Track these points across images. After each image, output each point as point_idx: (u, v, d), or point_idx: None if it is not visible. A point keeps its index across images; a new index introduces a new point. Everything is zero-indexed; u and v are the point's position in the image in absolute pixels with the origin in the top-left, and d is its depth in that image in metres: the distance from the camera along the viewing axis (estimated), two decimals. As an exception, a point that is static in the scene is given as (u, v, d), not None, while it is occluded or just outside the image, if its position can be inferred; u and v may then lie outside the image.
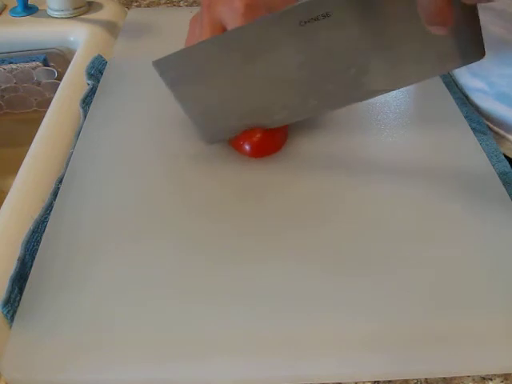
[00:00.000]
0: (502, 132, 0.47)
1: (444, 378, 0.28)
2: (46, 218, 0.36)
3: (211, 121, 0.39)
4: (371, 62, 0.35)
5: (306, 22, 0.33)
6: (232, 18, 0.36)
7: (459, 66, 0.35)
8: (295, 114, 0.39)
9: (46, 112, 0.45)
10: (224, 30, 0.38)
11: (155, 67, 0.36)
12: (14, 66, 0.59)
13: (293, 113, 0.38)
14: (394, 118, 0.45)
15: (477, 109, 0.48)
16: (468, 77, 0.49)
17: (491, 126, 0.47)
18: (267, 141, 0.40)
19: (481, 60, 0.47)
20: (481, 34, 0.33)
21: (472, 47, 0.33)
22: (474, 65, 0.48)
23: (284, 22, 0.33)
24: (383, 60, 0.35)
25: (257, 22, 0.34)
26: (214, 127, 0.40)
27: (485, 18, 0.45)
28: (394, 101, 0.47)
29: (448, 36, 0.32)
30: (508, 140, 0.47)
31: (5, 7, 0.62)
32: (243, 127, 0.39)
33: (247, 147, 0.40)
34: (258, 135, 0.40)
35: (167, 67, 0.36)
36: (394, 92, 0.48)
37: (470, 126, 0.44)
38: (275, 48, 0.35)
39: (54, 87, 0.53)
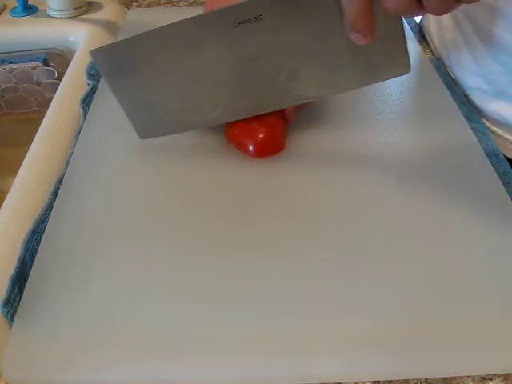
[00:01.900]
0: (500, 132, 0.47)
1: (444, 378, 0.28)
2: (46, 218, 0.36)
3: (144, 116, 0.39)
4: (301, 67, 0.36)
5: (239, 24, 0.34)
6: None
7: (387, 78, 0.36)
8: (227, 114, 0.39)
9: (46, 112, 0.45)
10: None
11: (92, 57, 0.36)
12: (14, 66, 0.59)
13: (224, 113, 0.39)
14: (394, 118, 0.45)
15: (476, 108, 0.48)
16: (467, 75, 0.49)
17: (490, 125, 0.47)
18: (270, 140, 0.40)
19: (480, 58, 0.47)
20: (406, 48, 0.34)
21: (398, 61, 0.35)
22: (473, 63, 0.48)
23: (218, 21, 0.34)
24: (313, 66, 0.35)
25: (192, 18, 0.34)
26: (147, 122, 0.40)
27: (483, 16, 0.45)
28: (394, 101, 0.47)
29: (374, 47, 0.33)
30: (507, 140, 0.47)
31: (5, 7, 0.62)
32: (176, 125, 0.40)
33: (250, 147, 0.40)
34: (262, 135, 0.40)
35: (104, 57, 0.37)
36: (394, 92, 0.48)
37: (469, 126, 0.44)
38: (208, 46, 0.35)
39: (54, 87, 0.53)
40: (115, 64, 0.37)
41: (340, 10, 0.31)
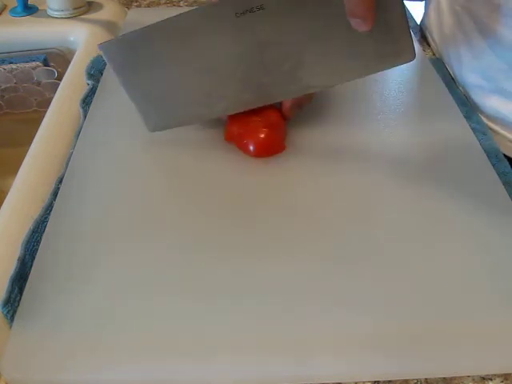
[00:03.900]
0: (499, 129, 0.47)
1: (444, 377, 0.28)
2: (46, 218, 0.36)
3: (154, 108, 0.40)
4: (306, 56, 0.36)
5: (241, 14, 0.34)
6: None
7: (391, 66, 0.36)
8: (234, 104, 0.39)
9: (46, 112, 0.45)
10: None
11: (101, 50, 0.37)
12: (14, 66, 0.59)
13: (232, 104, 0.39)
14: (394, 118, 0.45)
15: (476, 106, 0.48)
16: (466, 72, 0.49)
17: (489, 123, 0.47)
18: (271, 141, 0.40)
19: (479, 54, 0.47)
20: (410, 36, 0.34)
21: (402, 48, 0.34)
22: (473, 59, 0.48)
23: (220, 12, 0.34)
24: (318, 55, 0.35)
25: (195, 9, 0.34)
26: (156, 115, 0.40)
27: (482, 12, 0.45)
28: (394, 100, 0.47)
29: (378, 35, 0.33)
30: (506, 138, 0.47)
31: (5, 7, 0.62)
32: (184, 117, 0.40)
33: (251, 147, 0.40)
34: (262, 135, 0.40)
35: (113, 51, 0.37)
36: (395, 92, 0.48)
37: (469, 126, 0.44)
38: (212, 37, 0.35)
39: (54, 87, 0.53)
40: (124, 57, 0.37)
41: None
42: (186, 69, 0.37)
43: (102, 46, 0.37)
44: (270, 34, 0.35)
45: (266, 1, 0.33)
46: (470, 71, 0.49)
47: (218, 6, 0.34)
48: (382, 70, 0.36)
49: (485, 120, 0.47)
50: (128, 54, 0.37)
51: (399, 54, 0.35)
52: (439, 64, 0.53)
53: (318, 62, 0.36)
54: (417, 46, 0.56)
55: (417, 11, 0.67)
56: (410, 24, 0.34)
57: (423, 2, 0.62)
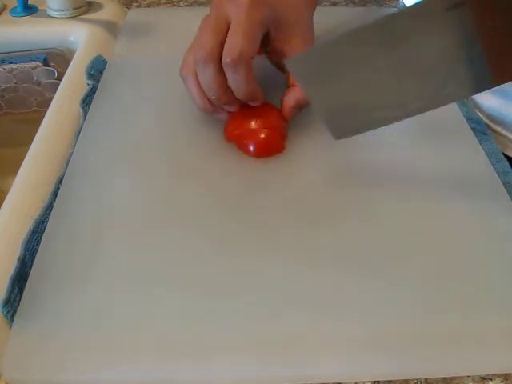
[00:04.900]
0: (499, 129, 0.47)
1: (444, 377, 0.28)
2: (46, 218, 0.36)
3: (343, 117, 0.38)
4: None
5: (451, 8, 0.32)
6: (236, 13, 0.37)
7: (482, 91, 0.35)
8: (431, 103, 0.36)
9: (46, 112, 0.45)
10: (227, 25, 0.38)
11: (288, 66, 0.35)
12: (14, 66, 0.59)
13: (429, 102, 0.36)
14: (394, 118, 0.45)
15: (476, 106, 0.48)
16: None
17: (489, 122, 0.47)
18: (271, 141, 0.40)
19: None
20: None
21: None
22: None
23: (429, 8, 0.32)
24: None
25: (401, 11, 0.33)
26: (344, 123, 0.38)
27: None
28: (394, 101, 0.47)
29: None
30: (508, 139, 0.47)
31: (5, 7, 0.62)
32: (376, 121, 0.38)
33: (251, 147, 0.40)
34: (263, 135, 0.40)
35: (301, 65, 0.35)
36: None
37: (469, 126, 0.44)
38: (416, 37, 0.33)
39: (54, 87, 0.53)
40: (313, 70, 0.35)
41: None
42: (383, 72, 0.35)
43: (289, 62, 0.35)
44: (473, 28, 0.32)
45: None
46: None
47: (425, 3, 0.32)
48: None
49: (485, 120, 0.47)
50: (318, 66, 0.35)
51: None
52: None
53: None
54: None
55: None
56: None
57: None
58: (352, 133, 0.39)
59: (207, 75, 0.38)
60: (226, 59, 0.37)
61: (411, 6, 0.32)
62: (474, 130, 0.43)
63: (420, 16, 0.33)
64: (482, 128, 0.44)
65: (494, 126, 0.47)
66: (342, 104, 0.37)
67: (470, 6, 0.31)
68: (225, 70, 0.38)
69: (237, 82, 0.38)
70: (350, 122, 0.39)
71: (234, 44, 0.37)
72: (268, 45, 0.42)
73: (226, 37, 0.38)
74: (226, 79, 0.38)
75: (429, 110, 0.37)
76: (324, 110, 0.38)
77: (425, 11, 0.32)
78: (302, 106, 0.42)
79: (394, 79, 0.36)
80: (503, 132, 0.47)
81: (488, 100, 0.47)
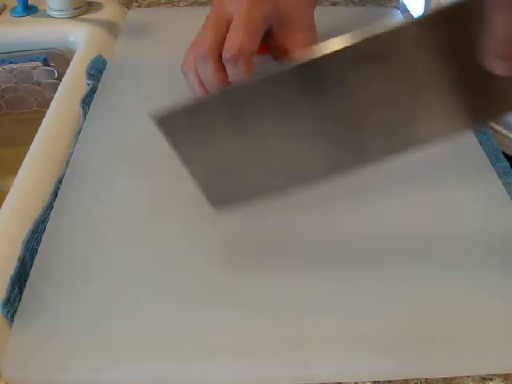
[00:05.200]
0: (502, 130, 0.47)
1: (444, 377, 0.28)
2: (46, 218, 0.36)
3: (221, 184, 0.32)
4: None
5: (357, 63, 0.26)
6: (237, 9, 0.37)
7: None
8: (330, 171, 0.31)
9: (46, 112, 0.45)
10: (228, 22, 0.38)
11: (156, 123, 0.29)
12: (13, 66, 0.59)
13: (327, 170, 0.31)
14: (394, 118, 0.45)
15: None
16: None
17: (490, 123, 0.47)
18: None
19: None
20: None
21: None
22: None
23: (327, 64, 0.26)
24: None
25: (289, 70, 0.27)
26: (223, 191, 0.33)
27: None
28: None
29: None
30: (507, 137, 0.47)
31: (5, 7, 0.62)
32: (261, 190, 0.32)
33: None
34: None
35: (170, 123, 0.29)
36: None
37: (470, 125, 0.44)
38: (305, 101, 0.28)
39: (54, 87, 0.53)
40: (184, 130, 0.30)
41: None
42: (270, 135, 0.29)
43: (156, 117, 0.29)
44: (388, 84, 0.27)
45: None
46: None
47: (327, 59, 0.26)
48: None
49: None
50: (189, 125, 0.29)
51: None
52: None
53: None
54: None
55: (417, 11, 0.67)
56: None
57: (424, 1, 0.62)
58: (232, 202, 0.33)
59: (208, 71, 0.39)
60: (226, 55, 0.37)
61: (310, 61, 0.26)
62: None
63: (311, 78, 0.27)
64: (482, 128, 0.44)
65: (494, 125, 0.47)
66: (220, 169, 0.31)
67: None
68: (225, 65, 0.38)
69: (237, 78, 0.38)
70: (230, 191, 0.32)
71: (235, 40, 0.37)
72: (270, 41, 0.42)
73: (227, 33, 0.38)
74: (226, 75, 0.39)
75: (327, 180, 0.31)
76: (199, 175, 0.32)
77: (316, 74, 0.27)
78: None
79: (280, 145, 0.30)
80: (503, 131, 0.47)
81: None
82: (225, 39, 0.38)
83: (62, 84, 0.49)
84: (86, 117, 0.45)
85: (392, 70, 0.27)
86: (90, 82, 0.49)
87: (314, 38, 0.43)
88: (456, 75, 0.27)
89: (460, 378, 0.28)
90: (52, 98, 0.47)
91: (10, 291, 0.30)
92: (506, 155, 0.41)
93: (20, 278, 0.32)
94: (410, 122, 0.29)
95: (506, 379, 0.28)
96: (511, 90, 0.27)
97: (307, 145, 0.30)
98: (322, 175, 0.31)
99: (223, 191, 0.33)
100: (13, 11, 0.61)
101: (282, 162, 0.31)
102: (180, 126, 0.30)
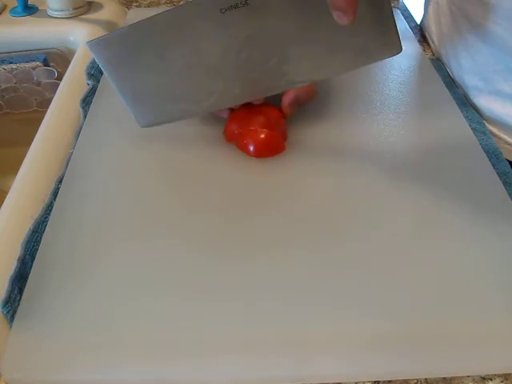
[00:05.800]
0: (497, 131, 0.47)
1: (444, 378, 0.28)
2: (46, 218, 0.36)
3: (143, 104, 0.40)
4: (291, 51, 0.36)
5: (226, 10, 0.34)
6: None
7: (378, 60, 0.36)
8: (222, 100, 0.39)
9: (46, 112, 0.45)
10: None
11: (89, 48, 0.37)
12: (13, 66, 0.59)
13: (220, 99, 0.39)
14: (394, 119, 0.45)
15: (474, 107, 0.48)
16: (464, 73, 0.49)
17: (487, 125, 0.47)
18: (271, 141, 0.40)
19: (475, 55, 0.47)
20: (396, 29, 0.34)
21: (388, 42, 0.35)
22: (469, 60, 0.48)
23: (205, 8, 0.34)
24: (303, 49, 0.36)
25: (180, 6, 0.35)
26: (146, 110, 0.40)
27: (477, 12, 0.45)
28: (394, 100, 0.47)
29: (363, 28, 0.34)
30: (503, 140, 0.47)
31: (5, 7, 0.62)
32: (174, 113, 0.40)
33: (251, 147, 0.40)
34: (262, 135, 0.40)
35: (101, 48, 0.37)
36: (395, 91, 0.48)
37: (469, 126, 0.44)
38: (197, 34, 0.36)
39: (54, 87, 0.53)
40: (113, 54, 0.37)
41: None
42: (174, 65, 0.37)
43: (90, 43, 0.37)
44: (255, 29, 0.35)
45: None
46: (467, 72, 0.49)
47: (203, 2, 0.34)
48: (369, 63, 0.36)
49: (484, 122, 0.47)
50: (116, 51, 0.37)
51: (385, 47, 0.35)
52: (439, 64, 0.53)
53: (303, 56, 0.36)
54: (417, 46, 0.57)
55: (417, 11, 0.67)
56: (394, 17, 0.34)
57: (423, 1, 0.62)
58: (154, 122, 0.41)
59: None
60: None
61: (190, 2, 0.34)
62: (474, 130, 0.43)
63: (197, 14, 0.34)
64: (482, 128, 0.44)
65: (491, 128, 0.47)
66: (142, 92, 0.39)
67: (253, 7, 0.34)
68: None
69: None
70: (151, 112, 0.40)
71: None
72: None
73: None
74: None
75: (226, 107, 0.41)
76: (127, 95, 0.39)
77: (202, 10, 0.34)
78: (300, 102, 0.42)
79: (184, 72, 0.37)
80: (498, 133, 0.47)
81: (485, 101, 0.47)
82: None
83: (61, 84, 0.49)
84: (85, 117, 0.45)
85: (259, 17, 0.34)
86: (89, 82, 0.49)
87: None
88: (314, 27, 0.34)
89: (460, 377, 0.28)
90: (52, 97, 0.47)
91: (10, 291, 0.30)
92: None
93: (20, 278, 0.32)
94: (281, 64, 0.37)
95: (506, 379, 0.28)
96: (370, 41, 0.35)
97: (207, 75, 0.38)
98: (222, 103, 0.39)
99: (148, 111, 0.40)
100: (13, 11, 0.61)
101: (190, 89, 0.38)
102: (110, 52, 0.37)
